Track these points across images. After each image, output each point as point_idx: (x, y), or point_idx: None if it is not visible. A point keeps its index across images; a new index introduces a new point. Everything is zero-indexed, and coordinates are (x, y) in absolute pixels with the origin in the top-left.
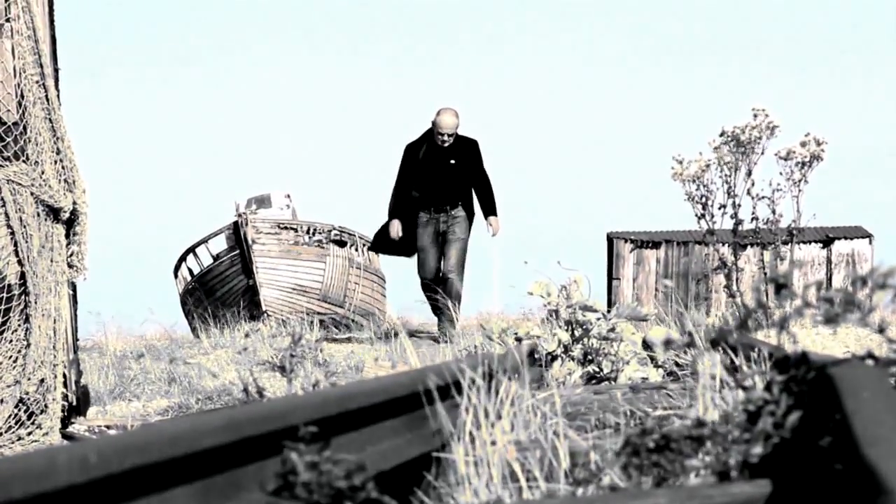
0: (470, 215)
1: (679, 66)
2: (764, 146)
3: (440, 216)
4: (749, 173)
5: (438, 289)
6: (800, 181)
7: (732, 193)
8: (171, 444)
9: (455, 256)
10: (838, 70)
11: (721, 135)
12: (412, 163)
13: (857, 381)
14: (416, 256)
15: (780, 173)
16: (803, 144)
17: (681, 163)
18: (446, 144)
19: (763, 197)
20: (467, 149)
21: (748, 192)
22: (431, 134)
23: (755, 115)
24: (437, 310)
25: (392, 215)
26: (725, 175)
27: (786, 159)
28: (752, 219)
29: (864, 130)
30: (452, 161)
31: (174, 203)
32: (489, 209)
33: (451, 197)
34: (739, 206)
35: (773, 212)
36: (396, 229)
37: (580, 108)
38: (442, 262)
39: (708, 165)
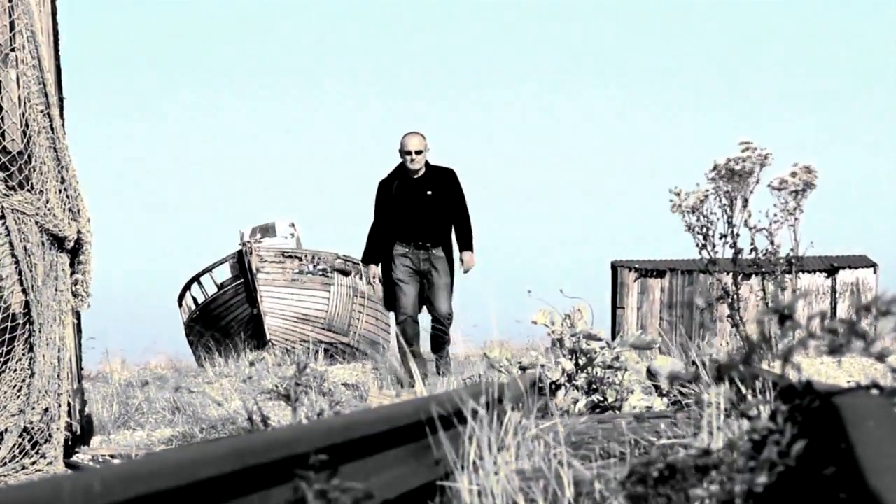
0: (451, 253)
1: (683, 91)
2: (758, 176)
3: (420, 253)
4: (745, 203)
5: (419, 332)
6: (795, 210)
7: (731, 223)
8: (176, 473)
9: (445, 301)
10: (844, 96)
11: (713, 168)
12: (386, 199)
13: (862, 410)
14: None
15: (775, 205)
16: (794, 174)
17: (678, 195)
18: (416, 164)
19: (761, 228)
20: (443, 179)
21: (745, 224)
22: (403, 167)
23: (743, 150)
24: (403, 353)
25: (366, 261)
26: (724, 205)
27: (779, 189)
28: (751, 249)
29: (871, 159)
30: (429, 192)
31: (179, 232)
32: (464, 243)
33: (430, 232)
34: (738, 235)
35: (772, 242)
36: (374, 274)
37: (585, 136)
38: (432, 307)
39: (707, 196)
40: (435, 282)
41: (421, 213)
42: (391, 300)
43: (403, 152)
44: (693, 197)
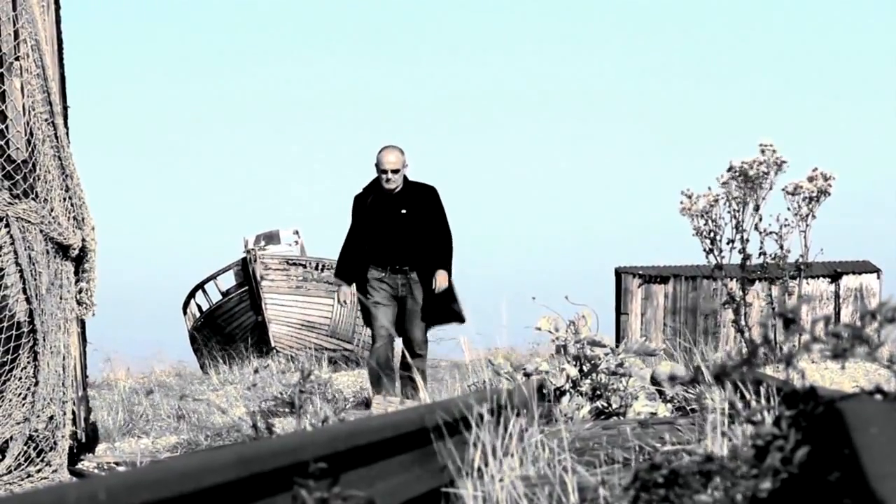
0: (430, 277)
1: (689, 98)
2: (772, 181)
3: (397, 277)
4: (757, 208)
5: (392, 358)
6: (807, 216)
7: (741, 228)
8: (181, 480)
9: (420, 332)
10: (849, 102)
11: (729, 170)
12: (360, 216)
13: (866, 416)
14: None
15: (788, 208)
16: (811, 179)
17: (690, 197)
18: (391, 184)
19: (771, 232)
20: (422, 197)
21: (756, 228)
22: (378, 181)
23: (762, 151)
24: (379, 383)
25: (339, 276)
26: (734, 210)
27: (793, 194)
28: (760, 254)
29: (874, 165)
30: (404, 210)
31: (183, 240)
32: (440, 262)
33: (407, 254)
34: (747, 241)
35: (781, 247)
36: (344, 295)
37: (589, 142)
38: (405, 334)
39: (716, 200)
40: (410, 307)
41: (396, 233)
42: (368, 319)
43: (379, 170)
44: (703, 200)
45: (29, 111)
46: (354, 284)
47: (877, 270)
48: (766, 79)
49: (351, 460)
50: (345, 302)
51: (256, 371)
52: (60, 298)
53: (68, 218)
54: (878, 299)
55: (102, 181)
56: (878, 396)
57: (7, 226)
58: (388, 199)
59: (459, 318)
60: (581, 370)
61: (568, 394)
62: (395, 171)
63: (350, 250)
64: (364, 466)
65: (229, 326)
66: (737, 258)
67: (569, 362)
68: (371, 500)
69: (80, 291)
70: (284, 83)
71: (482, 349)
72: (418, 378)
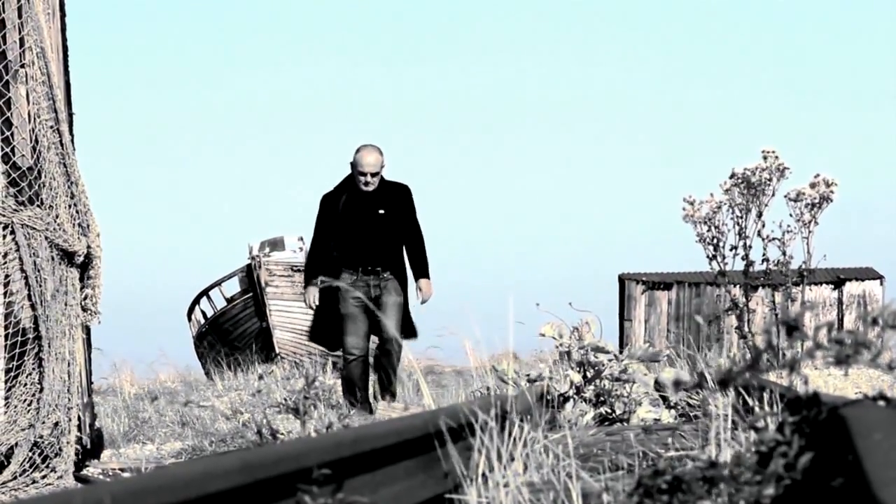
0: (405, 275)
1: (692, 104)
2: (774, 188)
3: (370, 279)
4: (759, 215)
5: (367, 369)
6: (810, 222)
7: (743, 235)
8: (185, 486)
9: (395, 322)
10: (852, 108)
11: (731, 177)
12: (331, 217)
13: (869, 422)
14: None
15: (791, 214)
16: (813, 186)
17: (692, 204)
18: (370, 188)
19: (774, 239)
20: (398, 196)
21: (759, 234)
22: (352, 180)
23: (765, 158)
24: (353, 398)
25: (308, 282)
26: (736, 216)
27: (795, 201)
28: (763, 260)
29: (877, 171)
30: (381, 211)
31: (188, 246)
32: (420, 270)
33: (382, 255)
34: (750, 247)
35: (784, 253)
36: (312, 297)
37: (591, 148)
38: (379, 330)
39: (719, 207)
40: (384, 300)
41: (371, 235)
42: (334, 334)
43: (357, 172)
44: (706, 207)
45: (34, 118)
46: (321, 279)
47: (880, 277)
48: (768, 85)
49: (355, 466)
50: (314, 304)
51: (261, 377)
52: (65, 305)
53: (73, 224)
54: (882, 305)
55: (107, 188)
56: (882, 402)
57: (12, 232)
58: (364, 199)
59: (412, 334)
60: (585, 376)
61: (572, 400)
62: (375, 175)
63: (317, 255)
64: (368, 472)
65: (234, 333)
66: (740, 265)
67: (572, 368)
68: None
69: (85, 298)
70: (289, 88)
71: (486, 355)
72: (391, 379)
